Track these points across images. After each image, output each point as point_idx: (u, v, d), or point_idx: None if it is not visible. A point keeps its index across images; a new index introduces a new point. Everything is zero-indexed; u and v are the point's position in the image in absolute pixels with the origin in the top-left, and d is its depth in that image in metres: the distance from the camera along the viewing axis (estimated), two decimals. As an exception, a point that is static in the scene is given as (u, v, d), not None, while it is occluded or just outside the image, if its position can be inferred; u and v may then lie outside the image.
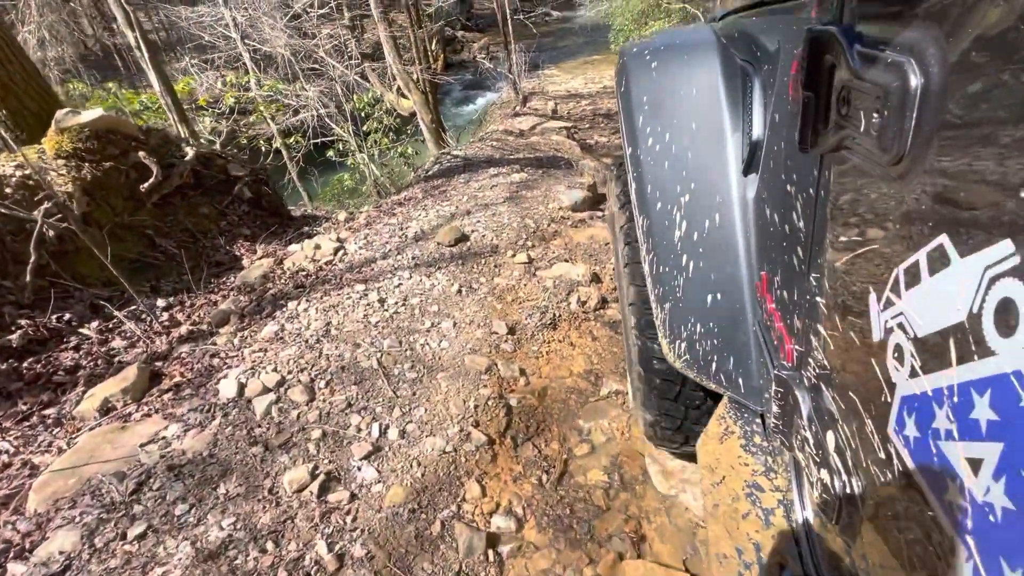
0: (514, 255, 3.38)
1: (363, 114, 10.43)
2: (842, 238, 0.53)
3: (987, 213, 0.34)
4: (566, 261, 3.31)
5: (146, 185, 3.32)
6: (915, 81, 0.40)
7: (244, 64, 10.52)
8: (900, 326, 0.43)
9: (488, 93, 17.12)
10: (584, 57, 20.81)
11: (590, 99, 14.70)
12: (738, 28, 1.00)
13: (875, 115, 0.45)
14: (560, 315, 2.81)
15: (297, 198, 11.65)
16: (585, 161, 5.82)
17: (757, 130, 0.85)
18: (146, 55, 5.46)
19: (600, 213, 4.27)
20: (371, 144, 10.64)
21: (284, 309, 2.79)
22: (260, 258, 3.49)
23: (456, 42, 23.58)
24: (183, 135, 5.67)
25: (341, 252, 3.41)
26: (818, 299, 0.60)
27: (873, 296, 0.47)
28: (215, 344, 2.52)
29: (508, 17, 13.79)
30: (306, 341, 2.49)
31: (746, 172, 0.88)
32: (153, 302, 2.91)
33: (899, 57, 0.42)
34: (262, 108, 9.70)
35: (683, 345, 0.91)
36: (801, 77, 0.57)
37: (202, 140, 6.64)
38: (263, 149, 7.26)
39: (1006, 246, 0.32)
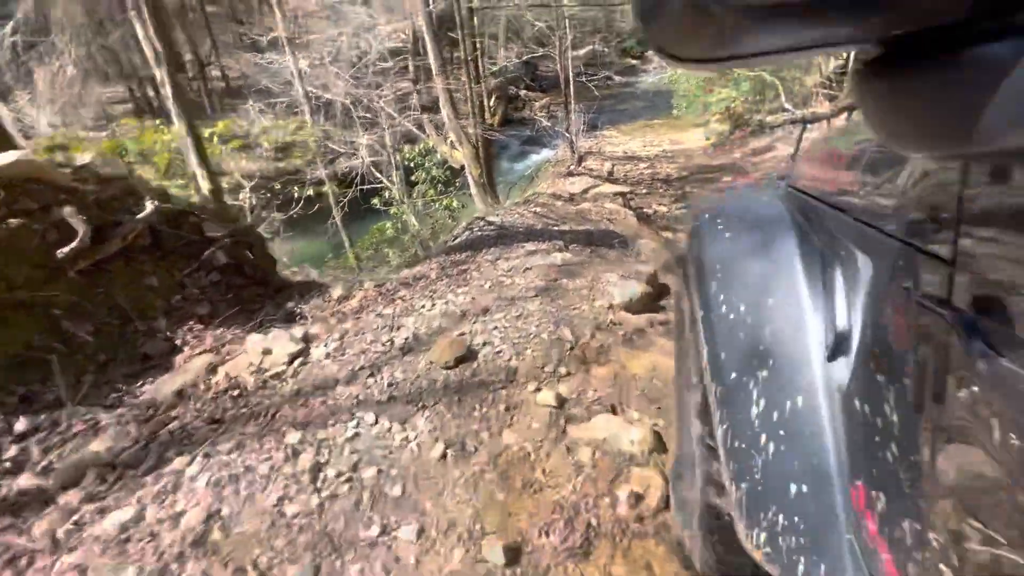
0: (538, 389, 2.26)
1: (412, 164, 9.82)
2: (971, 520, 0.43)
3: None
4: (614, 411, 2.16)
5: (65, 250, 2.45)
6: None
7: (302, 110, 10.23)
8: None
9: (545, 150, 16.55)
10: (644, 120, 20.05)
11: (648, 162, 13.69)
12: (815, 210, 0.92)
13: (1011, 436, 0.38)
14: (599, 525, 1.65)
15: (329, 250, 11.07)
16: (644, 241, 4.71)
17: (842, 320, 0.75)
18: (170, 92, 4.86)
19: (663, 318, 3.10)
20: (416, 195, 9.97)
21: (168, 467, 1.77)
22: (199, 354, 2.52)
23: (518, 100, 23.49)
24: (201, 177, 4.99)
25: (299, 361, 2.40)
26: (941, 567, 0.48)
27: None
28: (23, 540, 1.50)
29: (571, 79, 13.21)
30: (159, 556, 1.44)
31: (831, 358, 0.77)
32: (9, 422, 1.97)
33: None
34: (311, 144, 9.27)
35: (763, 536, 0.77)
36: (913, 338, 0.52)
37: (223, 186, 5.99)
38: (296, 195, 6.59)
39: None
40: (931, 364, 0.48)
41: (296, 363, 2.37)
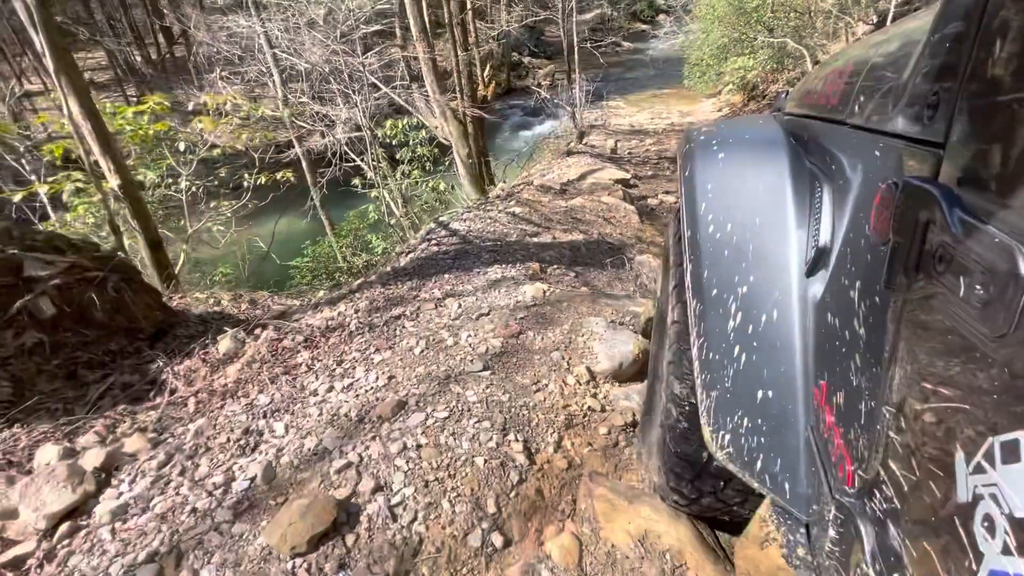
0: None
1: (394, 142, 8.65)
2: (925, 384, 0.48)
3: None
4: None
5: None
6: None
7: (272, 80, 8.99)
8: (993, 497, 0.39)
9: (548, 120, 15.19)
10: (653, 90, 18.48)
11: (655, 137, 12.33)
12: (808, 131, 0.95)
13: (977, 288, 0.41)
14: None
15: (309, 233, 10.00)
16: (644, 258, 3.63)
17: (825, 236, 0.78)
18: (51, 63, 3.74)
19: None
20: (400, 176, 8.84)
21: None
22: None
23: (521, 67, 21.88)
24: (109, 171, 3.93)
25: (64, 531, 1.42)
26: (890, 433, 0.54)
27: (960, 455, 0.42)
28: None
29: (574, 45, 11.75)
30: None
31: (809, 274, 0.81)
32: None
33: (1006, 239, 0.39)
34: (285, 119, 8.10)
35: (727, 437, 0.82)
36: (891, 221, 0.54)
37: (149, 178, 4.91)
38: (248, 182, 5.51)
39: None
40: (908, 246, 0.50)
41: (57, 537, 1.39)
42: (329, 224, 9.61)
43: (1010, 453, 0.37)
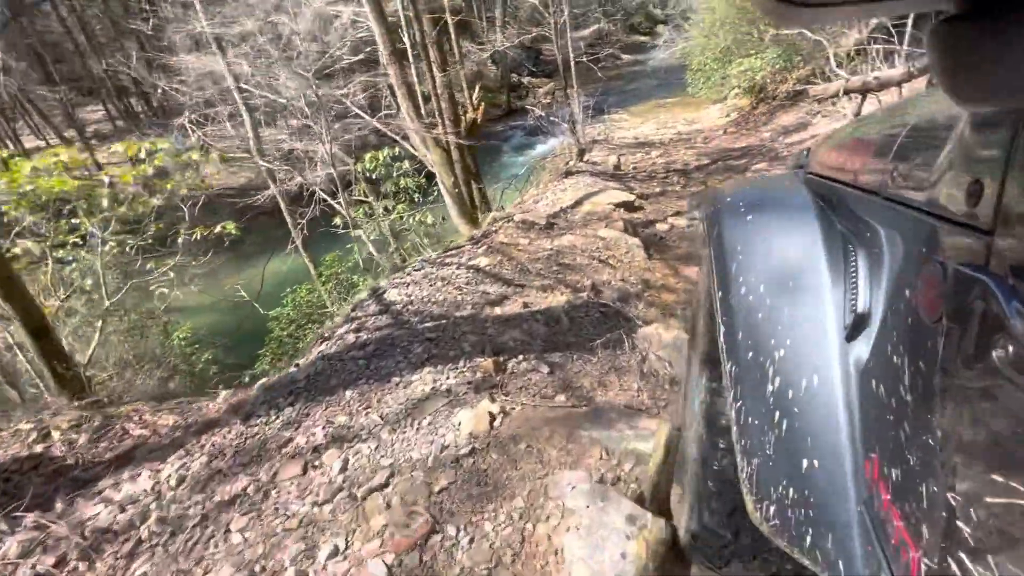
0: None
1: (376, 175, 7.70)
2: (993, 476, 0.43)
3: None
4: None
5: None
6: None
7: (242, 120, 8.16)
8: None
9: (550, 139, 14.25)
10: (656, 100, 17.38)
11: (661, 149, 11.15)
12: (836, 194, 0.91)
13: None
14: None
15: (299, 276, 9.09)
16: (651, 330, 2.48)
17: (863, 302, 0.74)
18: None
19: None
20: (382, 211, 7.87)
21: None
22: None
23: (521, 87, 21.07)
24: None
25: None
26: (959, 523, 0.48)
27: None
28: None
29: (570, 61, 10.77)
30: None
31: (850, 339, 0.76)
32: None
33: None
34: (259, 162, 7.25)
35: (772, 508, 0.74)
36: (943, 306, 0.51)
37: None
38: (198, 234, 4.54)
39: None
40: (962, 331, 0.48)
41: None
42: (313, 266, 8.68)
43: None
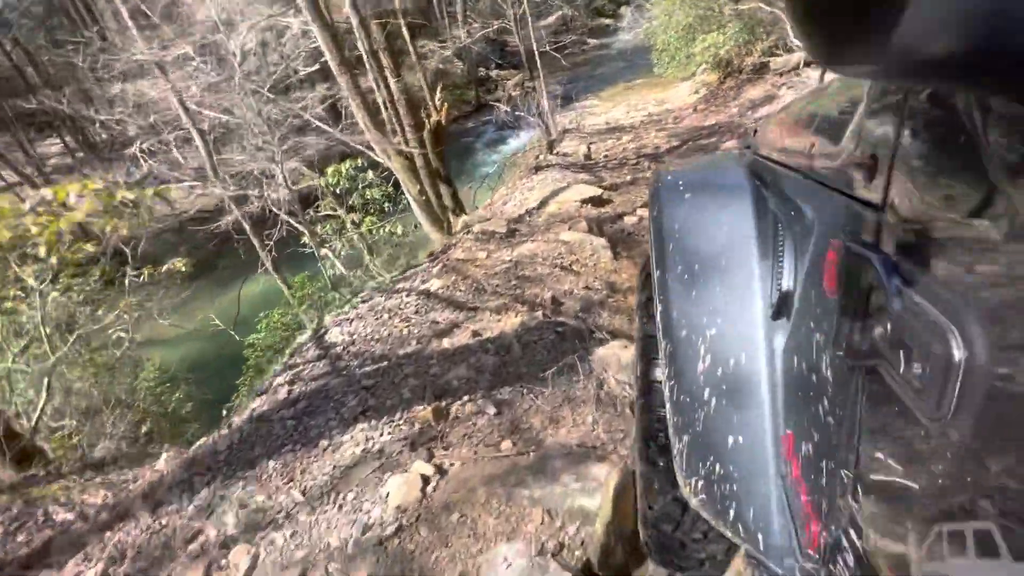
0: None
1: (340, 189, 7.45)
2: (879, 455, 0.45)
3: None
4: None
5: None
6: (959, 354, 0.33)
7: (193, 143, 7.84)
8: None
9: (522, 132, 14.02)
10: (625, 82, 17.14)
11: (632, 133, 10.94)
12: (772, 174, 0.91)
13: (916, 365, 0.38)
14: None
15: (270, 294, 8.84)
16: (608, 352, 2.28)
17: (787, 281, 0.75)
18: None
19: None
20: (350, 225, 7.63)
21: None
22: None
23: (490, 81, 20.72)
24: None
25: None
26: (851, 502, 0.50)
27: (913, 537, 0.39)
28: None
29: (534, 52, 10.51)
30: None
31: (774, 318, 0.78)
32: None
33: (941, 320, 0.35)
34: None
35: (700, 483, 0.78)
36: (837, 283, 0.52)
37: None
38: (142, 275, 4.29)
39: None
40: (854, 309, 0.48)
41: None
42: (286, 287, 8.43)
43: (957, 547, 0.34)
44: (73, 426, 4.92)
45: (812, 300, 0.64)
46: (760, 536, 0.72)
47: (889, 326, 0.41)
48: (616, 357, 2.26)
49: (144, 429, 5.78)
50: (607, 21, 22.99)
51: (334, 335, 2.53)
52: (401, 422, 1.86)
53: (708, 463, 0.77)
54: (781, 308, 0.75)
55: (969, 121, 0.36)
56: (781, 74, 8.24)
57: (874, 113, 0.52)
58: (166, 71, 6.78)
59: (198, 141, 7.53)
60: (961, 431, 0.34)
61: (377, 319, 2.64)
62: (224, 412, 6.06)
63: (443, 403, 1.96)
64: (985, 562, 0.32)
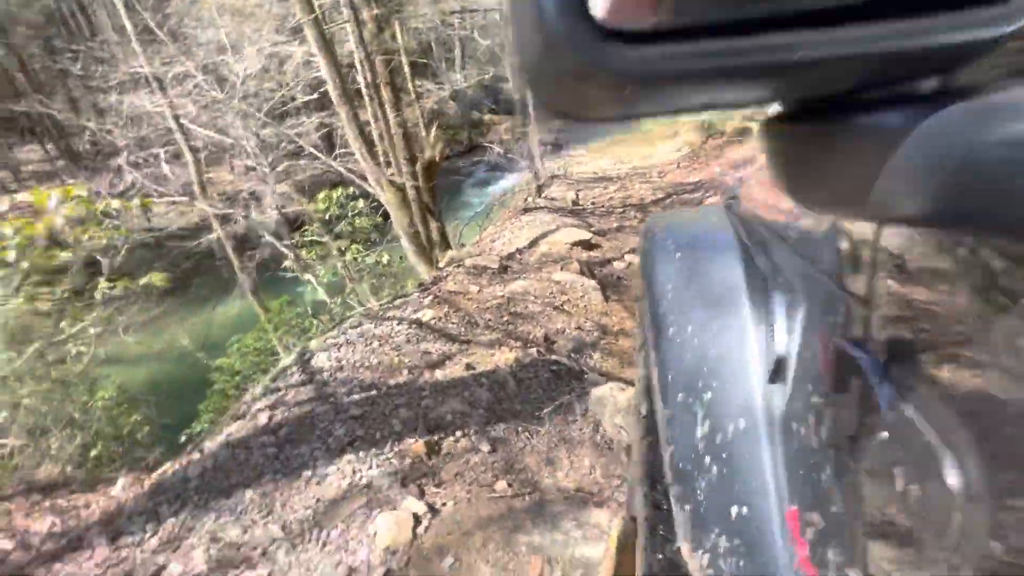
0: None
1: (329, 215, 7.41)
2: (881, 551, 0.42)
3: None
4: None
5: None
6: (955, 484, 0.31)
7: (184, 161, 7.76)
8: None
9: (511, 175, 14.35)
10: (613, 136, 17.97)
11: (619, 183, 11.30)
12: (759, 234, 0.86)
13: (913, 486, 0.35)
14: None
15: (246, 318, 8.58)
16: (604, 391, 2.25)
17: (781, 345, 0.70)
18: None
19: None
20: (336, 253, 7.54)
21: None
22: None
23: (483, 124, 21.38)
24: None
25: None
26: None
27: None
28: None
29: (527, 99, 10.94)
30: None
31: (771, 381, 0.71)
32: None
33: (936, 441, 0.32)
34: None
35: (706, 557, 0.71)
36: (831, 379, 0.48)
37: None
38: (104, 293, 4.10)
39: None
40: (848, 406, 0.46)
41: None
42: (264, 312, 8.20)
43: None
44: (17, 446, 4.54)
45: (808, 368, 0.62)
46: None
47: (884, 435, 0.39)
48: (612, 399, 2.22)
49: (94, 452, 5.38)
50: (598, 78, 24.23)
51: (321, 360, 2.43)
52: (391, 455, 1.76)
53: (713, 536, 0.73)
54: (777, 372, 0.72)
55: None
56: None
57: None
58: (165, 86, 6.77)
59: (188, 157, 7.45)
60: (969, 560, 0.31)
61: (367, 346, 2.56)
62: (182, 439, 5.70)
63: (436, 437, 1.87)
64: None
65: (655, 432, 0.96)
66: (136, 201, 3.90)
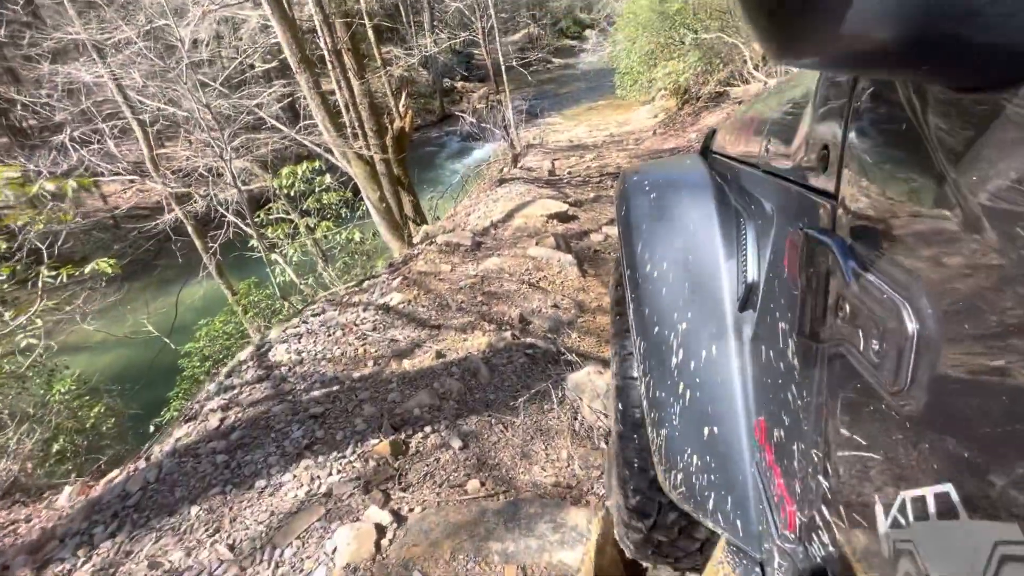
0: None
1: (295, 191, 7.03)
2: (844, 431, 0.46)
3: (997, 481, 0.28)
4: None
5: None
6: (911, 327, 0.35)
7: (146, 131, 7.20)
8: (910, 554, 0.36)
9: (487, 144, 13.94)
10: (588, 103, 17.51)
11: (595, 151, 11.07)
12: (731, 171, 0.93)
13: (873, 341, 0.39)
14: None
15: (213, 300, 8.23)
16: (582, 376, 2.14)
17: (752, 272, 0.77)
18: None
19: None
20: (304, 231, 7.20)
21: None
22: None
23: (455, 92, 20.64)
24: None
25: None
26: (820, 478, 0.51)
27: (879, 508, 0.40)
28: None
29: (501, 66, 10.51)
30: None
31: (741, 309, 0.79)
32: None
33: (894, 295, 0.37)
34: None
35: (679, 476, 0.78)
36: (798, 270, 0.53)
37: None
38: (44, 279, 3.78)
39: (1017, 531, 0.26)
40: (814, 295, 0.49)
41: None
42: (231, 294, 7.87)
43: (920, 510, 0.35)
44: (-33, 445, 4.27)
45: (776, 289, 0.64)
46: (739, 523, 0.71)
47: (847, 307, 0.42)
48: (591, 384, 2.11)
49: (56, 447, 5.13)
50: (572, 42, 23.50)
51: (279, 353, 2.24)
52: (353, 458, 1.61)
53: (686, 456, 0.76)
54: (747, 299, 0.74)
55: (911, 110, 0.36)
56: (739, 103, 8.54)
57: (823, 106, 0.52)
58: (104, 54, 6.20)
59: (137, 132, 6.93)
60: (919, 401, 0.34)
61: (329, 336, 2.37)
62: (152, 428, 5.48)
63: (402, 435, 1.73)
64: (944, 523, 0.32)
65: (630, 390, 0.97)
66: (72, 182, 3.55)
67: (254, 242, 7.26)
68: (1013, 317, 0.27)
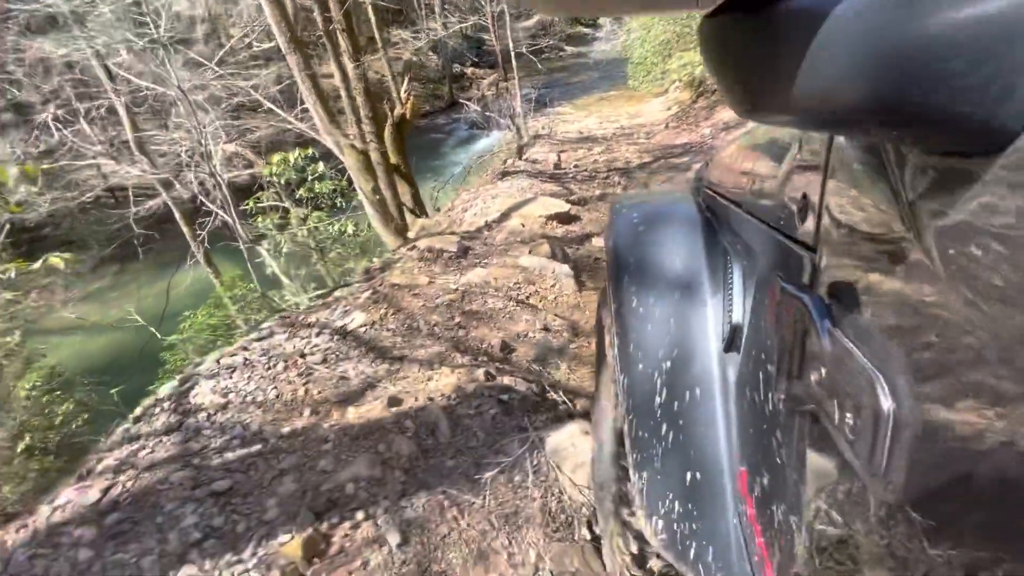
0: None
1: (286, 179, 6.62)
2: (822, 504, 0.42)
3: None
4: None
5: None
6: (887, 405, 0.32)
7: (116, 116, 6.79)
8: None
9: (493, 132, 13.43)
10: (600, 93, 16.84)
11: (604, 144, 10.50)
12: (720, 207, 0.92)
13: (847, 415, 0.36)
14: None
15: (204, 287, 7.88)
16: (564, 438, 1.71)
17: (736, 314, 0.75)
18: None
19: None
20: (295, 221, 6.81)
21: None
22: None
23: (464, 78, 20.02)
24: None
25: None
26: (799, 547, 0.47)
27: None
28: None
29: (510, 52, 9.98)
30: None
31: (727, 349, 0.77)
32: None
33: (869, 367, 0.34)
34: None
35: (661, 523, 0.75)
36: (776, 324, 0.50)
37: None
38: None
39: None
40: (789, 347, 0.46)
41: None
42: (219, 282, 7.50)
43: None
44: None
45: (759, 334, 0.61)
46: None
47: (823, 371, 0.39)
48: (573, 448, 1.68)
49: (22, 445, 4.83)
50: (585, 30, 22.68)
51: (204, 392, 1.83)
52: (252, 563, 1.20)
53: (668, 501, 0.73)
54: (732, 340, 0.71)
55: (888, 168, 0.34)
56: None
57: (804, 152, 0.50)
58: (84, 22, 5.75)
59: (121, 112, 6.51)
60: (895, 486, 0.31)
61: (269, 369, 1.96)
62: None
63: (324, 525, 1.32)
64: None
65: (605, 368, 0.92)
66: (13, 170, 3.15)
67: (241, 231, 6.85)
68: (1001, 396, 0.24)
